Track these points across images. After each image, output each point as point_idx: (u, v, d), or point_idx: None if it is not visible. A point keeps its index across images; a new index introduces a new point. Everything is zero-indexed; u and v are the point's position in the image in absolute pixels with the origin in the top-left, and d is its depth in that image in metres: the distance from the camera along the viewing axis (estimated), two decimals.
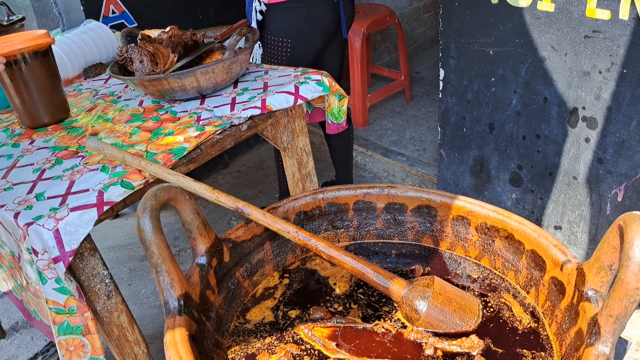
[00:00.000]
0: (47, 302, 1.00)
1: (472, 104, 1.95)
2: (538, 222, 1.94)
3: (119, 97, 1.53)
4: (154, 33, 1.48)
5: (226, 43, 1.55)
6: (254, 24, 1.89)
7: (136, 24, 2.42)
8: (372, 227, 1.16)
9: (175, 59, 1.43)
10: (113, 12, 2.34)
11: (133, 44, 1.48)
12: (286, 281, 1.09)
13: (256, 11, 1.86)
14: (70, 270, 1.06)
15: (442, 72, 2.02)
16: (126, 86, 1.61)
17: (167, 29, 1.45)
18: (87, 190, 1.03)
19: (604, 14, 1.45)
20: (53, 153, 1.22)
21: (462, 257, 1.08)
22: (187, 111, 1.34)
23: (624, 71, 1.47)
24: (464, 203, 1.06)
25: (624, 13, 1.40)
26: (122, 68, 1.47)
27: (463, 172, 2.13)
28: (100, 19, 2.32)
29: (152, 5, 2.46)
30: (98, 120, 1.37)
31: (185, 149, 1.13)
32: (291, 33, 1.90)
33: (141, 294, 2.22)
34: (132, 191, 1.03)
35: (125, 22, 2.39)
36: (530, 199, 1.92)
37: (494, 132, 1.92)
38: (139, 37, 1.47)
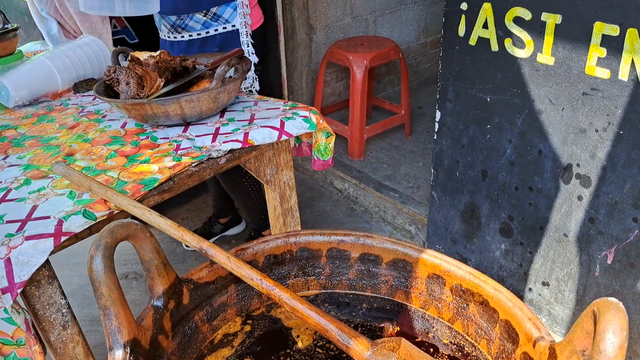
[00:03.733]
0: None
1: (467, 149, 1.91)
2: (526, 275, 1.88)
3: (104, 116, 1.50)
4: (143, 56, 1.46)
5: None
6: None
7: (137, 40, 2.41)
8: (344, 276, 1.11)
9: (162, 84, 1.40)
10: (115, 27, 2.33)
11: (122, 65, 1.45)
12: (247, 328, 1.04)
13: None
14: (25, 297, 1.02)
15: (438, 114, 1.99)
16: None
17: (157, 52, 1.42)
18: (48, 217, 0.98)
19: (604, 73, 1.42)
20: (24, 172, 1.18)
21: (435, 318, 1.03)
22: (168, 138, 1.30)
23: (621, 132, 1.43)
24: (441, 261, 1.01)
25: (624, 74, 1.37)
26: (109, 88, 1.44)
27: (454, 217, 2.08)
28: None
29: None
30: (77, 140, 1.34)
31: (156, 180, 1.09)
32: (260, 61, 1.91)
33: None
34: (94, 222, 0.98)
35: (126, 38, 2.38)
36: (519, 252, 1.87)
37: (486, 179, 1.88)
38: (129, 58, 1.45)
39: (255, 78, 1.86)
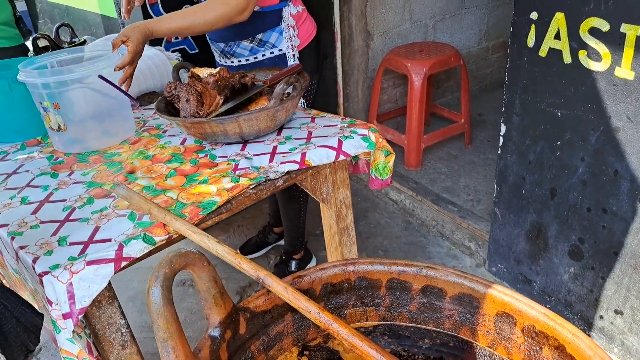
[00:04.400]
0: (61, 351, 0.96)
1: (534, 166, 1.81)
2: (596, 302, 1.76)
3: (165, 131, 1.51)
4: (203, 72, 1.46)
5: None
6: None
7: (197, 50, 2.44)
8: (405, 308, 1.06)
9: (221, 101, 1.40)
10: (176, 38, 2.37)
11: (182, 79, 1.46)
12: (304, 359, 1.01)
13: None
14: (86, 317, 1.03)
15: (503, 128, 1.89)
16: None
17: (216, 70, 1.41)
18: (109, 240, 0.99)
19: None
20: (87, 190, 1.20)
21: None
22: (226, 157, 1.29)
23: None
24: (512, 299, 0.94)
25: None
26: (170, 104, 1.45)
27: (518, 236, 1.98)
28: (163, 43, 2.35)
29: None
30: (139, 157, 1.35)
31: (215, 203, 1.07)
32: (316, 71, 1.86)
33: None
34: (153, 247, 0.98)
35: (187, 48, 2.42)
36: (590, 276, 1.75)
37: (555, 198, 1.77)
38: (189, 74, 1.45)
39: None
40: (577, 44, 1.53)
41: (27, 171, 1.34)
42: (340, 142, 1.27)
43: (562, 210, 1.76)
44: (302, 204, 2.08)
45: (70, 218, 1.08)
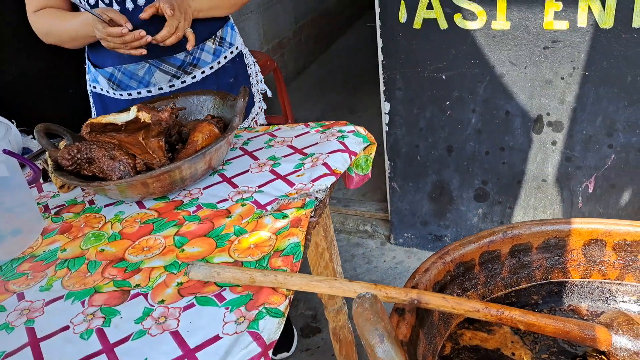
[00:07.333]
0: None
1: (426, 131, 1.94)
2: None
3: (91, 202, 1.14)
4: (120, 118, 1.11)
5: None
6: None
7: None
8: (498, 277, 1.04)
9: (162, 142, 1.14)
10: None
11: (82, 142, 1.11)
12: None
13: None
14: None
15: (386, 106, 1.98)
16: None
17: (133, 110, 1.10)
18: (217, 338, 0.71)
19: (562, 25, 1.57)
20: (82, 301, 0.83)
21: (601, 282, 1.03)
22: (227, 199, 1.04)
23: (586, 74, 1.61)
24: (597, 225, 1.00)
25: (582, 21, 1.54)
26: (75, 174, 1.09)
27: (420, 200, 2.11)
28: None
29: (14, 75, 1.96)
30: (99, 242, 0.99)
31: (297, 244, 0.86)
32: None
33: None
34: (284, 318, 0.74)
35: None
36: (498, 211, 1.98)
37: (452, 154, 1.94)
38: (86, 130, 1.11)
39: (260, 99, 1.61)
40: (451, 9, 1.68)
41: None
42: (343, 144, 1.16)
43: (461, 162, 1.95)
44: None
45: (113, 342, 0.74)
